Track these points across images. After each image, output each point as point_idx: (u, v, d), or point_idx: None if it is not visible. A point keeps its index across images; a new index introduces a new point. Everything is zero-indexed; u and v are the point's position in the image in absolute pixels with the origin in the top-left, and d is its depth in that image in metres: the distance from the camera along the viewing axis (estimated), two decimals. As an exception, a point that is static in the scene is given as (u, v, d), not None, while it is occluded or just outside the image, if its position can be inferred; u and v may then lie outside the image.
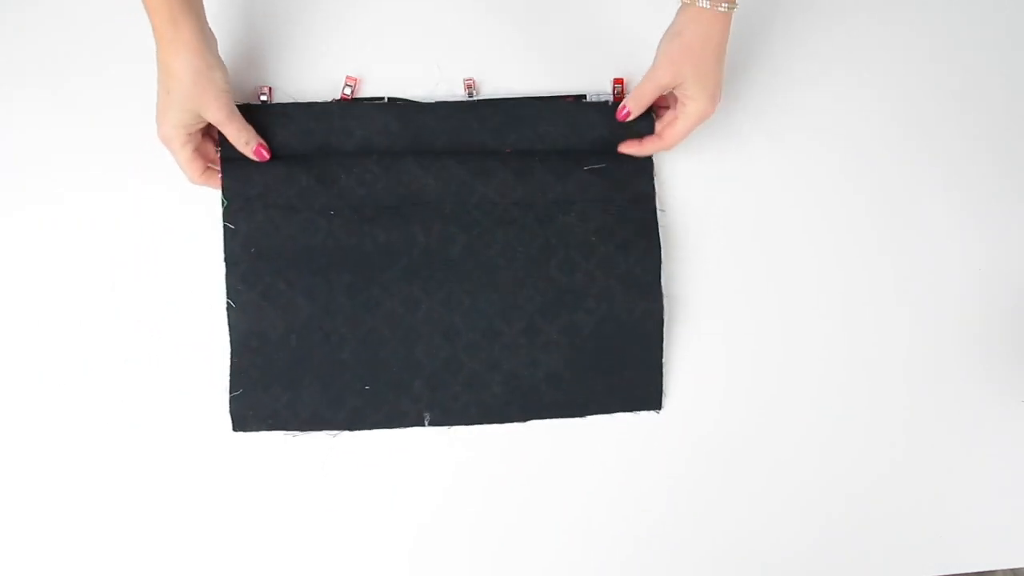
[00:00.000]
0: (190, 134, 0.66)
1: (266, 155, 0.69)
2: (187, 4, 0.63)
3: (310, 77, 0.72)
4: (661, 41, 0.68)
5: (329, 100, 0.72)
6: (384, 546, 0.71)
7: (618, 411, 0.72)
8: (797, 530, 0.73)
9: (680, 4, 0.66)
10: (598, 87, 0.74)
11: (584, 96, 0.74)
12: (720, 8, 0.64)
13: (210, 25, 0.66)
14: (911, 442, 0.74)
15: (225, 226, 0.70)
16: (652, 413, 0.73)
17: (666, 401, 0.73)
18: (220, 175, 0.69)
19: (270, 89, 0.72)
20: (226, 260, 0.70)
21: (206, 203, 0.71)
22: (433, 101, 0.72)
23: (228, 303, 0.70)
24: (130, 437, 0.70)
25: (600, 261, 0.72)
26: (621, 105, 0.70)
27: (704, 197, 0.74)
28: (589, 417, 0.72)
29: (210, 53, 0.65)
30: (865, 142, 0.76)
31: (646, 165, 0.73)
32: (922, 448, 0.74)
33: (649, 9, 0.74)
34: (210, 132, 0.69)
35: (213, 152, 0.69)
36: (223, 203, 0.69)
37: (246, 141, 0.68)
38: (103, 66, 0.72)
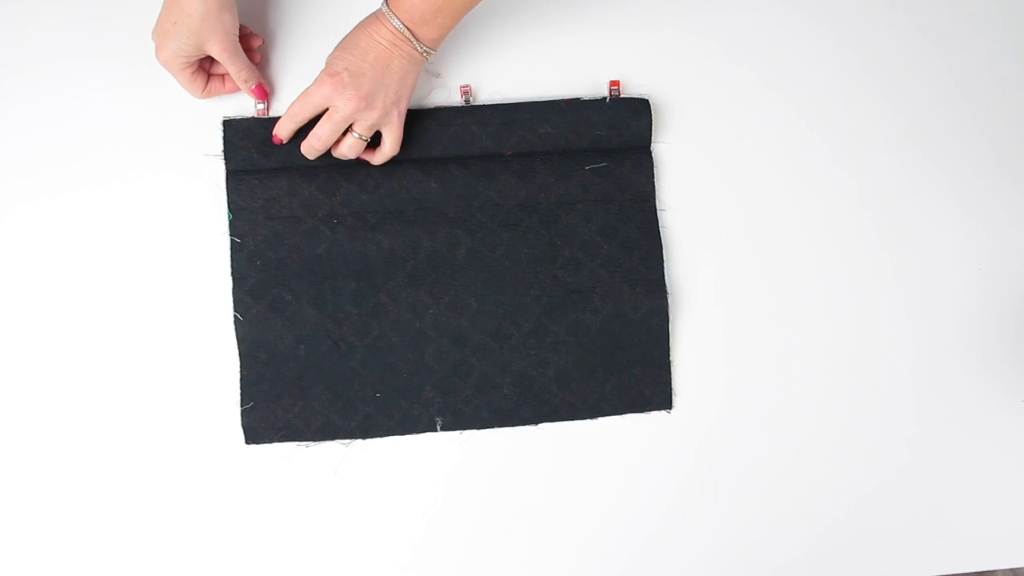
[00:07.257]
0: (190, 62, 0.67)
1: (266, 93, 0.71)
2: None
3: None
4: None
5: None
6: (398, 549, 0.71)
7: (629, 412, 0.72)
8: (798, 530, 0.73)
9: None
10: (594, 90, 0.75)
11: (580, 99, 0.74)
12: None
13: None
14: (911, 441, 0.74)
15: (232, 240, 0.70)
16: (661, 411, 0.73)
17: (675, 400, 0.73)
18: (224, 84, 0.70)
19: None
20: (233, 274, 0.70)
21: (212, 215, 0.71)
22: (431, 107, 0.73)
23: (235, 316, 0.70)
24: (142, 453, 0.70)
25: (604, 260, 0.72)
26: None
27: (704, 195, 0.74)
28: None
29: None
30: (865, 140, 0.75)
31: (646, 164, 0.73)
32: (922, 447, 0.73)
33: (642, 11, 0.75)
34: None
35: (210, 67, 0.70)
36: (229, 216, 0.70)
37: (246, 79, 0.69)
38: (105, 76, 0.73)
